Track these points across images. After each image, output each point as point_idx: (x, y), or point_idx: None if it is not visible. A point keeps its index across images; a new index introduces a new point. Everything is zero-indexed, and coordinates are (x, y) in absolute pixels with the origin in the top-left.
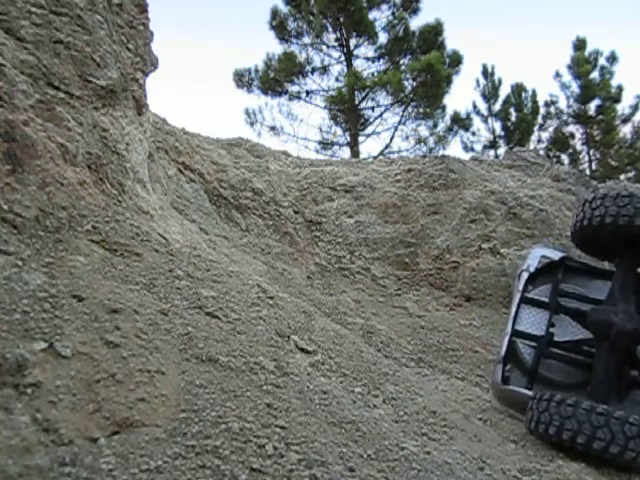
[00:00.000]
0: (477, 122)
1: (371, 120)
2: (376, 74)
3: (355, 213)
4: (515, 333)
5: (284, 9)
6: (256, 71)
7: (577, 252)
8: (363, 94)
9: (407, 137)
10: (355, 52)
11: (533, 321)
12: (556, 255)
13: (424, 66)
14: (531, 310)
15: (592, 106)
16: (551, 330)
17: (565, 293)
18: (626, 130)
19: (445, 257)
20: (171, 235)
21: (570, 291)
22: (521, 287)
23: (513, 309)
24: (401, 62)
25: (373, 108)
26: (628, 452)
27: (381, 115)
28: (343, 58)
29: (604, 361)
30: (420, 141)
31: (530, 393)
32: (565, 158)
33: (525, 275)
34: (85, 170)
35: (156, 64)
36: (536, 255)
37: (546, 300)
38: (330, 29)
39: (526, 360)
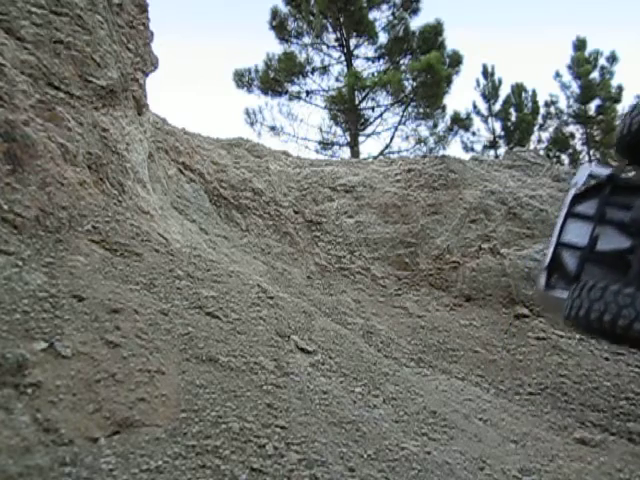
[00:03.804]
0: (477, 122)
1: (371, 120)
2: (376, 74)
3: (355, 213)
4: (560, 244)
5: (284, 9)
6: (256, 71)
7: None
8: (363, 94)
9: (407, 137)
10: (355, 52)
11: (578, 233)
12: (604, 172)
13: (424, 66)
14: (576, 223)
15: (592, 106)
16: (595, 240)
17: (610, 206)
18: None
19: (445, 257)
20: (171, 235)
21: (615, 204)
22: (568, 202)
23: (559, 223)
24: (401, 62)
25: (373, 108)
26: None
27: (381, 115)
28: (343, 58)
29: None
30: (420, 141)
31: None
32: (565, 158)
33: (573, 191)
34: (85, 170)
35: (156, 64)
36: (584, 172)
37: (591, 213)
38: (330, 29)
39: (570, 268)
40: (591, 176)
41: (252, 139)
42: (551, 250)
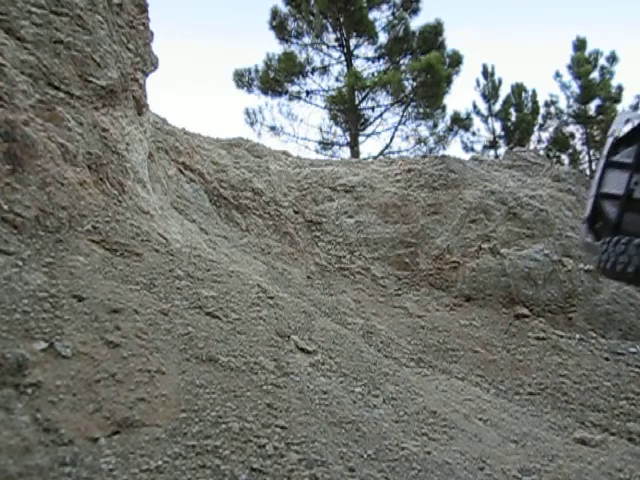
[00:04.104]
0: (477, 122)
1: (371, 120)
2: (376, 74)
3: (355, 213)
4: (599, 195)
5: (284, 9)
6: (256, 71)
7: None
8: (363, 94)
9: (407, 137)
10: (355, 52)
11: (616, 182)
12: None
13: (424, 66)
14: (615, 173)
15: (592, 106)
16: (632, 188)
17: None
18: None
19: (445, 257)
20: (171, 235)
21: None
22: (606, 152)
23: (598, 173)
24: (401, 62)
25: (373, 108)
26: None
27: (381, 115)
28: (343, 58)
29: None
30: (420, 141)
31: None
32: (565, 158)
33: (610, 140)
34: (85, 170)
35: (156, 64)
36: (621, 120)
37: (629, 161)
38: (330, 29)
39: (610, 217)
40: (629, 122)
41: (252, 139)
42: (590, 202)
